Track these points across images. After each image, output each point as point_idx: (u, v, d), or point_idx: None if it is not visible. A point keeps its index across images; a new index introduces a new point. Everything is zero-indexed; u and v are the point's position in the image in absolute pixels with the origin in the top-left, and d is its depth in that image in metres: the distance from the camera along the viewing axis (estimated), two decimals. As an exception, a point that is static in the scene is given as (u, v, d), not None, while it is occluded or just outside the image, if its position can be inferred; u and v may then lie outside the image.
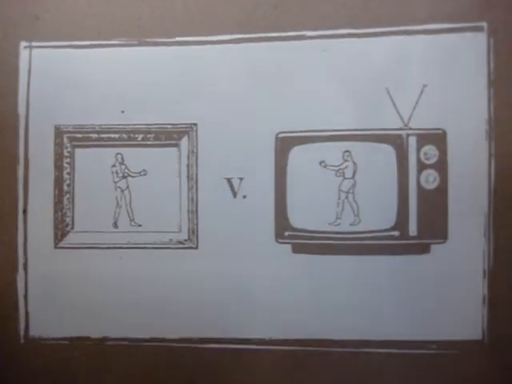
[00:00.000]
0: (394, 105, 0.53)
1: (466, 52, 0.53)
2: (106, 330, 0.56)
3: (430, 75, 0.53)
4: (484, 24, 0.53)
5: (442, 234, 0.53)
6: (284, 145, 0.55)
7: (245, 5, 0.55)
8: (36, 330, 0.57)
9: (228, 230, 0.55)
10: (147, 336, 0.56)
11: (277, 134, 0.55)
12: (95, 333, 0.56)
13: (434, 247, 0.53)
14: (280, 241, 0.55)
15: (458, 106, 0.53)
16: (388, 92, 0.53)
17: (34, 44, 0.56)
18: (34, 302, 0.56)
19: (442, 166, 0.53)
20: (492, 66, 0.52)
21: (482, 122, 0.53)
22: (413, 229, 0.53)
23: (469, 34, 0.53)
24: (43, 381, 0.57)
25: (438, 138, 0.53)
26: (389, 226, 0.54)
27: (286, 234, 0.55)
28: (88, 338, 0.56)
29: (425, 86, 0.53)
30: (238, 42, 0.55)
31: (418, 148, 0.53)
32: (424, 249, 0.53)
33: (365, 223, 0.54)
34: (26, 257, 0.56)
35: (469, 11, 0.53)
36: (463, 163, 0.53)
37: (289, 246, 0.55)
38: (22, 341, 0.57)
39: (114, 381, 0.56)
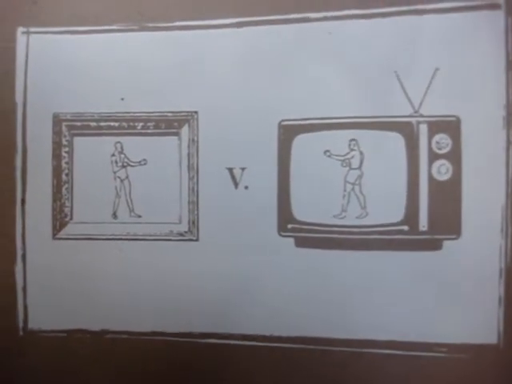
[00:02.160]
0: (404, 90, 0.50)
1: (481, 32, 0.49)
2: (105, 323, 0.55)
3: (442, 58, 0.49)
4: (501, 1, 0.48)
5: (454, 230, 0.50)
6: (287, 133, 0.52)
7: (247, -14, 0.53)
8: (35, 323, 0.56)
9: (229, 222, 0.53)
10: (147, 329, 0.54)
11: (280, 122, 0.52)
12: (94, 325, 0.55)
13: (446, 243, 0.50)
14: (283, 234, 0.52)
15: (472, 90, 0.49)
16: (397, 76, 0.50)
17: (31, 30, 0.55)
18: (33, 294, 0.56)
19: (455, 156, 0.50)
20: (510, 46, 0.48)
21: (499, 108, 0.49)
22: (423, 223, 0.50)
23: (484, 13, 0.49)
24: (42, 373, 0.56)
25: (451, 126, 0.50)
26: (398, 220, 0.50)
27: (289, 226, 0.52)
28: (87, 331, 0.55)
29: (437, 69, 0.49)
30: (240, 26, 0.53)
31: (430, 136, 0.50)
32: (435, 245, 0.50)
33: (372, 216, 0.51)
34: (24, 248, 0.55)
35: (484, -13, 0.50)
36: (478, 153, 0.49)
37: (292, 240, 0.52)
38: (21, 333, 0.56)
39: (113, 374, 0.55)
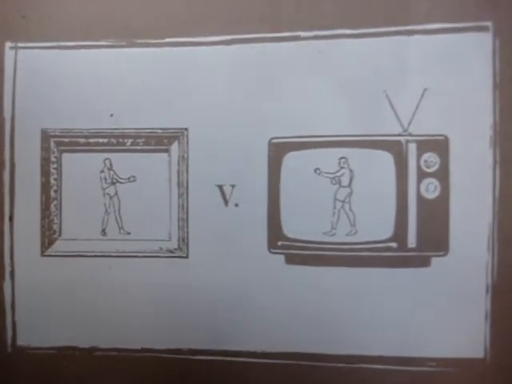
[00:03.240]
0: (393, 109, 0.50)
1: (469, 53, 0.50)
2: (94, 340, 0.55)
3: (431, 78, 0.50)
4: (489, 24, 0.49)
5: (442, 247, 0.50)
6: (277, 151, 0.52)
7: (237, 5, 0.52)
8: (23, 339, 0.55)
9: (219, 239, 0.53)
10: (136, 346, 0.54)
11: (270, 140, 0.52)
12: (83, 343, 0.55)
13: (434, 260, 0.50)
14: (273, 251, 0.53)
15: (460, 110, 0.50)
16: (387, 96, 0.51)
17: (19, 45, 0.54)
18: (22, 310, 0.55)
19: (443, 175, 0.50)
20: (497, 67, 0.49)
21: (486, 128, 0.49)
22: (412, 240, 0.51)
23: (473, 34, 0.50)
24: (31, 391, 0.56)
25: (439, 145, 0.50)
26: (386, 237, 0.51)
27: (279, 243, 0.53)
28: (76, 348, 0.55)
29: (426, 89, 0.50)
30: (230, 44, 0.53)
31: (418, 155, 0.50)
32: (424, 262, 0.51)
33: (361, 234, 0.51)
34: (12, 265, 0.55)
35: (473, 10, 0.50)
36: (466, 171, 0.50)
37: (282, 257, 0.52)
38: (10, 350, 0.55)
39: (103, 392, 0.56)
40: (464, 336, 0.51)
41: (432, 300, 0.51)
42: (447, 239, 0.50)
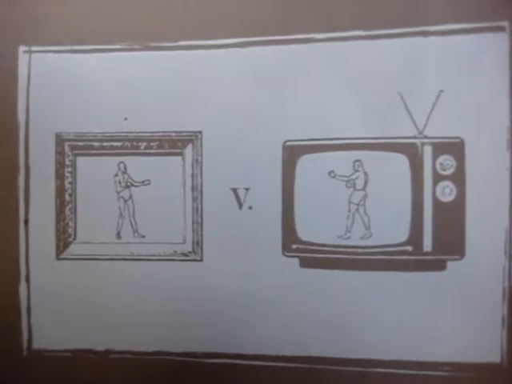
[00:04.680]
0: (408, 111, 0.50)
1: (485, 54, 0.49)
2: (109, 343, 0.55)
3: (446, 80, 0.49)
4: (505, 24, 0.49)
5: (458, 250, 0.50)
6: (292, 154, 0.52)
7: (250, 7, 0.52)
8: (39, 343, 0.56)
9: (233, 242, 0.53)
10: (151, 349, 0.54)
11: (284, 143, 0.52)
12: (98, 345, 0.55)
13: (450, 264, 0.50)
14: (287, 254, 0.52)
15: (477, 112, 0.49)
16: (402, 98, 0.50)
17: (33, 48, 0.55)
18: (37, 313, 0.55)
19: (459, 178, 0.50)
20: (515, 69, 0.49)
21: (503, 131, 0.49)
22: (427, 244, 0.50)
23: (489, 35, 0.49)
24: (46, 393, 0.57)
25: (455, 148, 0.50)
26: (402, 241, 0.51)
27: (294, 246, 0.52)
28: (91, 351, 0.55)
29: (441, 91, 0.49)
30: (243, 46, 0.52)
31: (434, 158, 0.50)
32: (439, 265, 0.50)
33: (376, 237, 0.51)
34: (27, 268, 0.55)
35: (489, 10, 0.49)
36: (482, 174, 0.49)
37: (296, 260, 0.52)
38: (25, 353, 0.56)
39: (118, 394, 0.56)
40: (480, 340, 0.50)
41: (447, 304, 0.50)
42: (463, 243, 0.50)
